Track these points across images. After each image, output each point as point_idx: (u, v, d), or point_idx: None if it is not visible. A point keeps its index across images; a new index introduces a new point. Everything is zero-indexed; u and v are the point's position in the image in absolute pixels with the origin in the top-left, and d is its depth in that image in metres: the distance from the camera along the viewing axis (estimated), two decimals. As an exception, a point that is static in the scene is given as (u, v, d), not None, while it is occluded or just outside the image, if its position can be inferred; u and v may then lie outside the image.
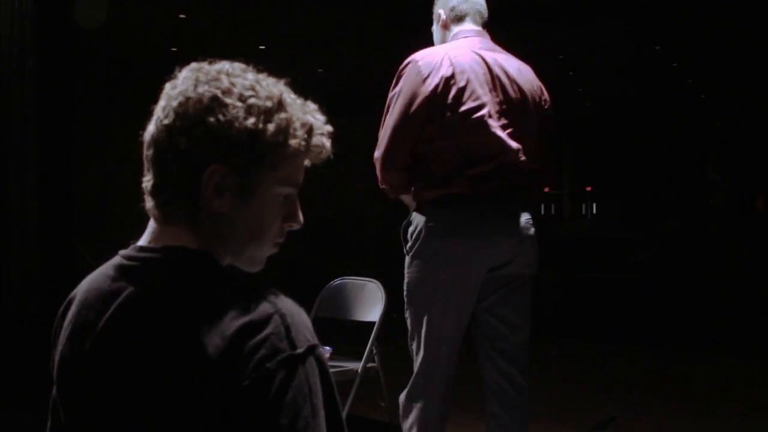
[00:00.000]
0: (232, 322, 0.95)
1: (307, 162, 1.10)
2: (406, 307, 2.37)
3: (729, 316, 6.93)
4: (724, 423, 3.80)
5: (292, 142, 1.03)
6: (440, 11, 2.57)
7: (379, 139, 2.38)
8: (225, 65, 1.06)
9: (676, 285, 9.26)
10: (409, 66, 2.36)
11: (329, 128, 1.10)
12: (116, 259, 1.08)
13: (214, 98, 1.01)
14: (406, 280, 2.36)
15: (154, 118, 1.04)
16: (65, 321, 1.11)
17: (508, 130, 2.33)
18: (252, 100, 1.01)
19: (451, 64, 2.31)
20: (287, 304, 1.00)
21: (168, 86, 1.06)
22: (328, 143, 1.09)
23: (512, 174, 2.32)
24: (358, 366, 3.14)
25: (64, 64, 5.11)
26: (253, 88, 1.03)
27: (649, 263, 11.57)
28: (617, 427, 3.77)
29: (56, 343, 1.12)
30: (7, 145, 4.74)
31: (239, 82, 1.03)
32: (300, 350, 0.96)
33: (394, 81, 2.39)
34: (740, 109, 15.73)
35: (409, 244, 2.35)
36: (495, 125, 2.31)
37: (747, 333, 6.01)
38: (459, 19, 2.52)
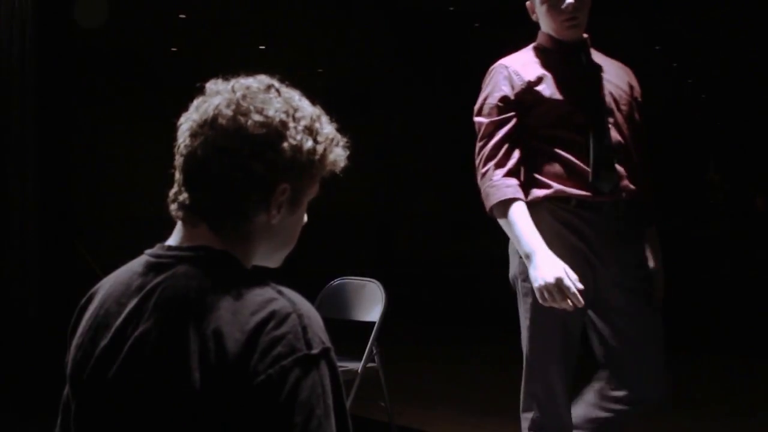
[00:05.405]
0: (252, 318, 0.98)
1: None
2: None
3: (729, 316, 6.92)
4: (724, 423, 3.80)
5: (331, 157, 1.12)
6: None
7: None
8: (254, 83, 1.10)
9: (676, 285, 9.24)
10: None
11: (344, 139, 1.17)
12: (143, 258, 1.11)
13: (282, 123, 1.06)
14: None
15: (199, 136, 1.06)
16: (85, 315, 1.12)
17: None
18: (305, 122, 1.09)
19: None
20: (305, 305, 1.03)
21: (205, 105, 1.08)
22: (345, 153, 1.17)
23: None
24: (358, 366, 3.14)
25: (64, 64, 5.11)
26: (301, 110, 1.10)
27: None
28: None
29: (72, 337, 1.12)
30: (7, 145, 4.74)
31: (294, 104, 1.09)
32: (315, 351, 0.98)
33: None
34: (740, 109, 15.73)
35: None
36: None
37: (747, 333, 6.00)
38: None
